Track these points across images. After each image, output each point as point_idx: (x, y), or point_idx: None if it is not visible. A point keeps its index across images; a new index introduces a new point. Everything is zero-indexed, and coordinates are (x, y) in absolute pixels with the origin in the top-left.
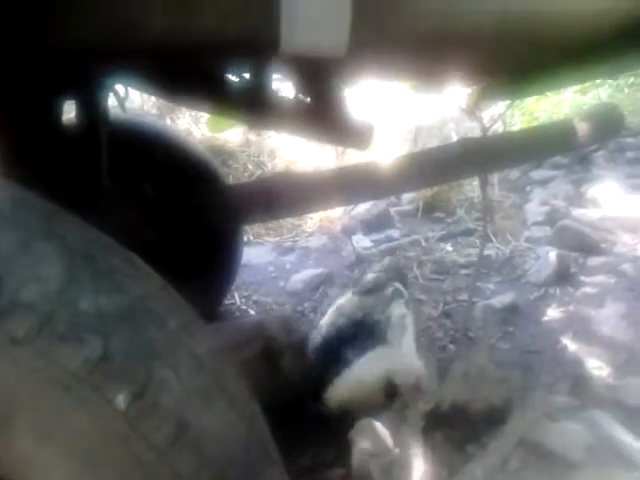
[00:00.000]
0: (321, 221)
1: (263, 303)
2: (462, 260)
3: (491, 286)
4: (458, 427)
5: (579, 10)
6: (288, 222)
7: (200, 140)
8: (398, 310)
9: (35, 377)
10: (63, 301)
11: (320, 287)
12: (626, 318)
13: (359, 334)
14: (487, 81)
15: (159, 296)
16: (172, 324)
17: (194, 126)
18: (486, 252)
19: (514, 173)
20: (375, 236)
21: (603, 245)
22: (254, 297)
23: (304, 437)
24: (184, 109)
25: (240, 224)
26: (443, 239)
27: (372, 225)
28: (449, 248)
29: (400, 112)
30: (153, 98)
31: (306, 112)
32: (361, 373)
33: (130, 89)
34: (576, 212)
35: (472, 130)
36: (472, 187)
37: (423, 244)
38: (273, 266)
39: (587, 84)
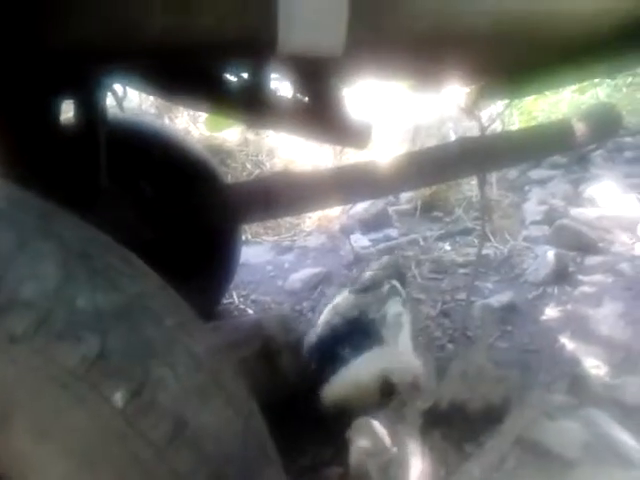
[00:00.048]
0: (319, 220)
1: (261, 302)
2: (460, 259)
3: (489, 285)
4: (456, 426)
5: (575, 10)
6: (286, 221)
7: (198, 139)
8: (394, 308)
9: (33, 375)
10: (60, 299)
11: (318, 286)
12: (624, 317)
13: (354, 332)
14: (485, 80)
15: (156, 295)
16: (169, 322)
17: (192, 125)
18: (484, 251)
19: (512, 172)
20: (373, 235)
21: (601, 244)
22: (252, 296)
23: (302, 436)
24: (182, 109)
25: (238, 223)
26: (441, 238)
27: (370, 224)
28: (447, 247)
29: (398, 111)
30: (151, 98)
31: (304, 111)
32: (358, 371)
33: (128, 89)
34: (574, 211)
35: (470, 129)
36: (470, 186)
37: (421, 243)
38: (271, 265)
39: (585, 84)
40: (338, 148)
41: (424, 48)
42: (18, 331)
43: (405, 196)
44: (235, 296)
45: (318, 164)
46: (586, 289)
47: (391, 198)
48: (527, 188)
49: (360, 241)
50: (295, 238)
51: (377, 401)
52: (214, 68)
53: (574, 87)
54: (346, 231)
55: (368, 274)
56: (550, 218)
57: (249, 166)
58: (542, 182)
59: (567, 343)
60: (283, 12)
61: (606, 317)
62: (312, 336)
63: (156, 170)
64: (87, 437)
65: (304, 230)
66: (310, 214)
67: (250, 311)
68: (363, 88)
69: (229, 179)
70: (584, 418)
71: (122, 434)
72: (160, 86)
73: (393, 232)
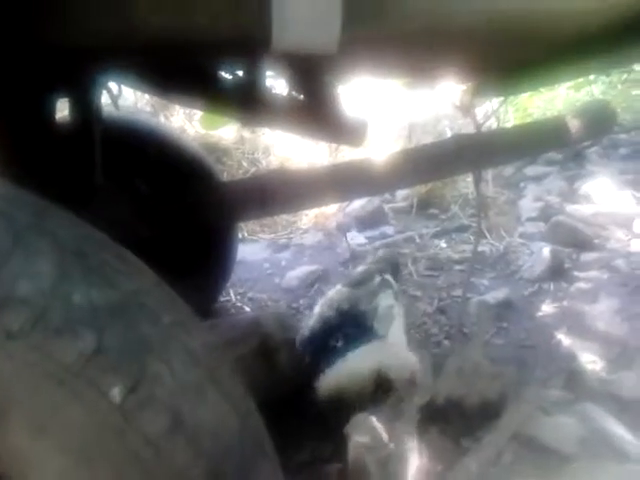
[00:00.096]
0: (316, 218)
1: (258, 300)
2: (456, 256)
3: (485, 282)
4: (453, 421)
5: (568, 8)
6: (283, 219)
7: (194, 137)
8: (386, 300)
9: (30, 371)
10: (56, 296)
11: (315, 284)
12: (619, 313)
13: (346, 324)
14: (480, 78)
15: (152, 291)
16: (165, 319)
17: (188, 124)
18: (480, 248)
19: (508, 169)
20: (370, 233)
21: (597, 241)
22: (249, 294)
23: (300, 432)
24: (178, 107)
25: (235, 221)
26: (437, 235)
27: (367, 222)
28: (443, 244)
29: (394, 109)
30: (147, 96)
31: (300, 109)
32: (354, 364)
33: (123, 87)
34: (570, 208)
35: (466, 126)
36: (466, 183)
37: (417, 240)
38: (268, 263)
39: (580, 81)
40: (334, 146)
41: (418, 46)
42: (14, 327)
43: (401, 193)
44: (232, 294)
45: (314, 162)
46: (582, 285)
47: (387, 195)
48: (522, 185)
49: (356, 238)
50: (292, 236)
51: (372, 394)
52: (209, 66)
53: (569, 84)
54: (342, 229)
55: (361, 268)
56: (546, 215)
57: (245, 164)
58: (537, 179)
59: (563, 339)
60: (277, 10)
61: (602, 313)
62: (305, 329)
63: (151, 168)
64: (84, 433)
65: (300, 228)
66: (306, 212)
67: (247, 309)
68: (358, 86)
69: (225, 177)
70: (580, 413)
71: (119, 430)
72: (155, 84)
73: (389, 229)
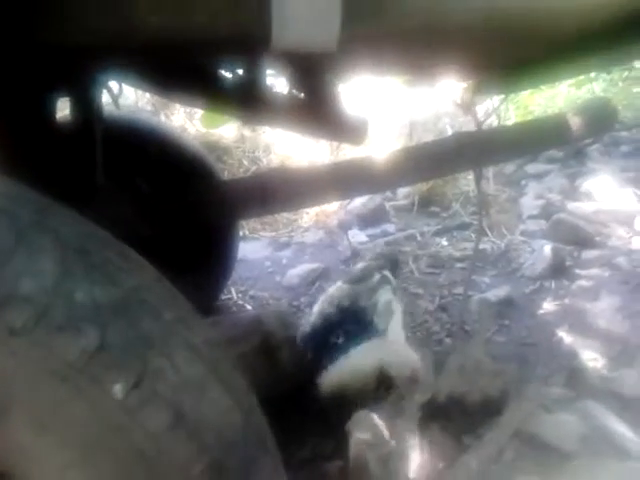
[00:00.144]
0: (317, 216)
1: (259, 298)
2: (458, 254)
3: (487, 280)
4: (454, 419)
5: (567, 5)
6: (284, 217)
7: (195, 136)
8: (385, 296)
9: (33, 367)
10: (59, 293)
11: (316, 282)
12: (621, 311)
13: (346, 320)
14: (481, 75)
15: (154, 288)
16: (167, 315)
17: (188, 122)
18: (481, 246)
19: (509, 167)
20: (371, 231)
21: (598, 238)
22: (251, 292)
23: (302, 429)
24: (178, 105)
25: (236, 219)
26: (439, 233)
27: (368, 220)
28: (445, 242)
29: (395, 107)
30: (147, 95)
31: (300, 107)
32: (356, 361)
33: (124, 86)
34: (571, 206)
35: (467, 124)
36: (467, 181)
37: (419, 238)
38: (269, 261)
39: (581, 78)
40: (335, 144)
41: (418, 44)
42: (18, 324)
43: (402, 191)
44: (233, 292)
45: (315, 160)
46: (583, 283)
47: (388, 193)
48: (524, 182)
49: (358, 236)
50: (293, 234)
51: (374, 391)
52: (209, 65)
53: (570, 81)
54: (344, 226)
55: (361, 265)
56: (547, 212)
57: (246, 162)
58: (539, 176)
59: (564, 337)
60: (277, 8)
61: (603, 311)
62: (305, 326)
63: (152, 167)
64: (87, 429)
65: (301, 226)
66: (307, 210)
67: (248, 307)
68: (359, 84)
69: (226, 175)
70: (581, 411)
71: (122, 426)
72: (156, 83)
73: (390, 227)
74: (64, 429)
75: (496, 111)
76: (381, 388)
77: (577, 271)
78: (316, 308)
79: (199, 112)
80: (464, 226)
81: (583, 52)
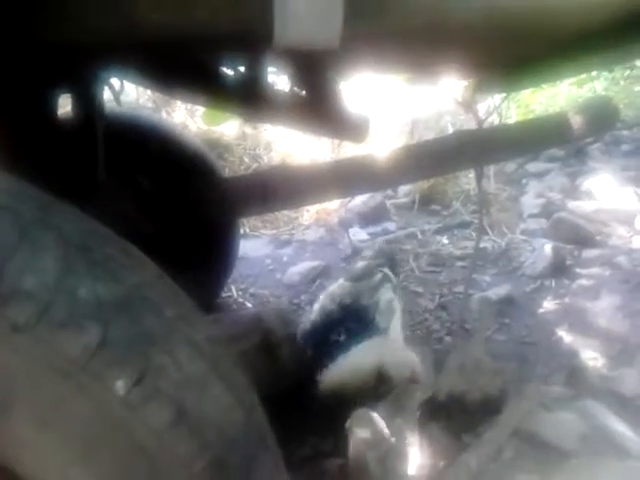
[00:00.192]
0: (318, 214)
1: (260, 296)
2: (458, 252)
3: (487, 278)
4: (454, 417)
5: (570, 6)
6: (284, 215)
7: (196, 133)
8: (386, 295)
9: (35, 364)
10: (61, 290)
11: (317, 279)
12: (621, 310)
13: (348, 318)
14: (482, 74)
15: (155, 284)
16: (169, 311)
17: (190, 119)
18: (482, 244)
19: (510, 165)
20: (371, 229)
21: (598, 237)
22: (251, 290)
23: (302, 427)
24: (179, 102)
25: (236, 217)
26: (439, 232)
27: (369, 218)
28: (445, 241)
29: (396, 105)
30: (148, 91)
31: (302, 105)
32: (356, 360)
33: (125, 82)
34: (572, 204)
35: (468, 122)
36: (468, 179)
37: (419, 237)
38: (270, 259)
39: (583, 77)
40: (336, 141)
41: (419, 42)
42: (20, 321)
43: (403, 189)
44: (234, 290)
45: (316, 158)
46: (583, 282)
47: (389, 191)
48: (524, 181)
49: (358, 234)
50: (293, 232)
51: (373, 390)
52: (211, 62)
53: (571, 80)
54: (344, 224)
55: (361, 263)
56: (547, 211)
57: (247, 160)
58: (539, 175)
59: (564, 335)
60: (279, 5)
61: (603, 310)
62: (306, 323)
63: (153, 164)
64: (89, 425)
65: (302, 224)
66: (308, 208)
67: (249, 304)
68: (360, 81)
69: (227, 173)
70: (581, 410)
71: (124, 422)
72: (157, 80)
73: (391, 225)
74: (66, 425)
75: (497, 109)
76: (380, 387)
77: (577, 270)
78: (317, 305)
79: (200, 109)
80: (465, 224)
81: (584, 51)
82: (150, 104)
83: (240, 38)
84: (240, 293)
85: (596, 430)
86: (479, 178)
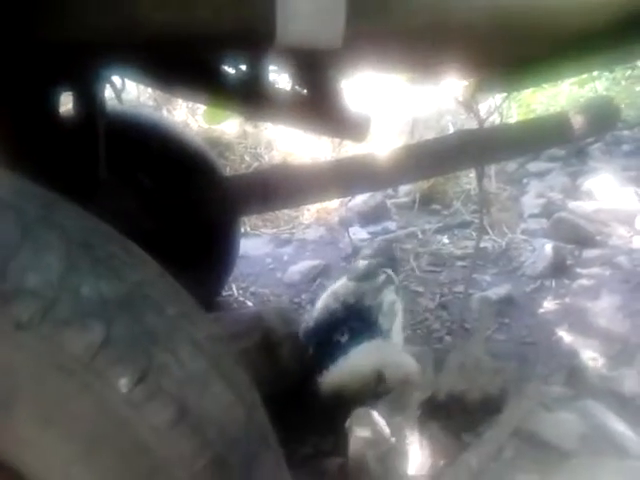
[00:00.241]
0: (318, 213)
1: (260, 294)
2: (458, 252)
3: (487, 278)
4: (454, 416)
5: (571, 5)
6: (285, 214)
7: (197, 132)
8: (389, 296)
9: (39, 361)
10: (65, 287)
11: (317, 278)
12: (621, 310)
13: (351, 318)
14: (483, 74)
15: (158, 282)
16: (171, 309)
17: (191, 118)
18: (482, 244)
19: (511, 165)
20: (372, 228)
21: (599, 237)
22: (251, 288)
23: (302, 426)
24: (181, 101)
25: (237, 215)
26: (440, 231)
27: (369, 217)
28: (445, 240)
29: (397, 104)
30: (150, 90)
31: (303, 104)
32: (355, 362)
33: (127, 80)
34: (572, 204)
35: (469, 122)
36: (469, 179)
37: (420, 236)
38: (270, 258)
39: (584, 76)
40: (337, 140)
41: (422, 41)
42: (24, 318)
43: (404, 189)
44: (234, 288)
45: (317, 156)
46: (584, 282)
47: (390, 191)
48: (525, 181)
49: (359, 234)
50: (294, 231)
51: (373, 392)
52: (212, 60)
53: (573, 80)
54: (345, 224)
55: (364, 262)
56: (548, 211)
57: (247, 158)
58: (540, 175)
59: (564, 335)
60: (281, 4)
61: (604, 310)
62: (309, 321)
63: (154, 162)
64: (92, 423)
65: (303, 223)
66: (309, 207)
67: (249, 303)
68: (361, 80)
69: (227, 171)
70: (581, 409)
71: (127, 420)
72: (158, 78)
73: (392, 225)
74: (69, 423)
75: (498, 109)
76: (380, 389)
77: (578, 270)
78: (320, 304)
79: (201, 108)
80: (465, 224)
81: (585, 51)
82: (151, 102)
83: (242, 37)
84: (241, 292)
85: (596, 430)
86: (480, 178)
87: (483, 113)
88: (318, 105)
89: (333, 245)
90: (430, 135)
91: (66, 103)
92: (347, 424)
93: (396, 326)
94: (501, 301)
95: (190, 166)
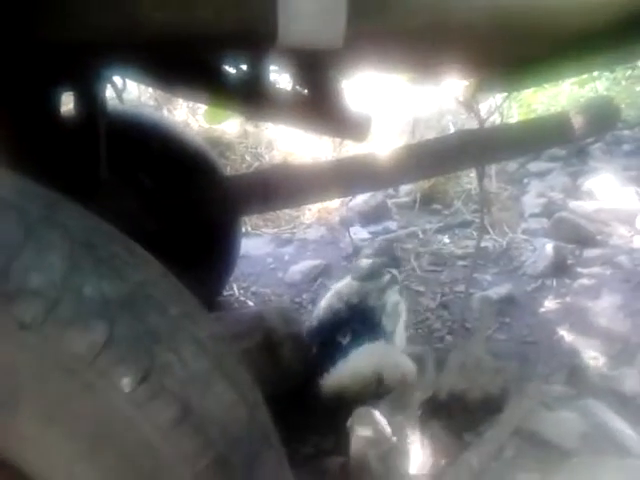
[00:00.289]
0: (319, 213)
1: (261, 294)
2: (459, 252)
3: (488, 277)
4: (455, 416)
5: (571, 6)
6: (286, 214)
7: (197, 132)
8: (393, 297)
9: (42, 361)
10: (68, 287)
11: (318, 278)
12: (622, 309)
13: (355, 319)
14: (484, 73)
15: (160, 282)
16: (173, 309)
17: (191, 117)
18: (483, 244)
19: (511, 165)
20: (373, 228)
21: (599, 237)
22: (252, 288)
23: (304, 426)
24: (181, 101)
25: (238, 215)
26: (440, 231)
27: (370, 217)
28: (446, 240)
29: (398, 104)
30: (150, 89)
31: (304, 104)
32: (355, 364)
33: (127, 80)
34: (573, 204)
35: (469, 122)
36: (469, 179)
37: (420, 236)
38: (271, 257)
39: (584, 76)
40: (337, 140)
41: (422, 42)
42: (27, 318)
43: (404, 189)
44: (235, 288)
45: (317, 156)
46: (584, 281)
47: (390, 191)
48: (526, 181)
49: (359, 233)
50: (295, 230)
51: (373, 394)
52: (213, 60)
53: (573, 80)
54: (345, 223)
55: (368, 261)
56: (549, 211)
57: (248, 158)
58: (541, 175)
59: (565, 335)
60: (282, 4)
61: (604, 309)
62: (314, 320)
63: (155, 162)
64: (95, 422)
65: (304, 222)
66: (310, 206)
67: (250, 303)
68: (362, 80)
69: (228, 171)
70: (582, 408)
71: (129, 419)
72: (159, 78)
73: (392, 225)
74: (72, 422)
75: (499, 109)
76: (380, 390)
77: (578, 269)
78: (324, 303)
79: (202, 107)
80: (466, 224)
81: (586, 51)
82: (152, 102)
83: (244, 37)
84: (242, 292)
85: (597, 429)
86: (480, 177)
87: (484, 113)
88: (319, 105)
89: (334, 245)
90: (431, 135)
91: (67, 103)
92: (348, 423)
93: (399, 328)
94: (502, 300)
95: (191, 166)
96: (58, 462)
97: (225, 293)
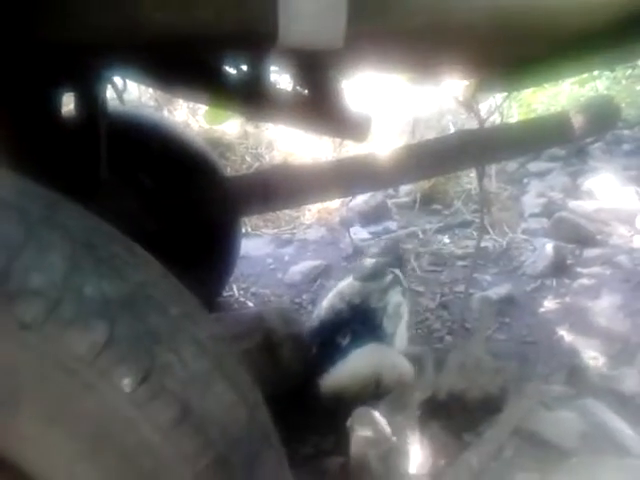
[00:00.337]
0: (319, 213)
1: (261, 295)
2: (459, 252)
3: (488, 277)
4: (455, 416)
5: (571, 5)
6: (286, 214)
7: (198, 132)
8: (395, 298)
9: (43, 361)
10: (68, 287)
11: (318, 279)
12: (622, 309)
13: (356, 320)
14: (484, 73)
15: (160, 283)
16: (173, 309)
17: (192, 118)
18: (483, 244)
19: (511, 165)
20: (373, 228)
21: (599, 237)
22: (252, 289)
23: (304, 426)
24: (182, 101)
25: (238, 216)
26: (440, 231)
27: (370, 217)
28: (446, 240)
29: (398, 104)
30: (151, 90)
31: (304, 104)
32: (354, 365)
33: (128, 81)
34: (573, 204)
35: (469, 122)
36: (469, 179)
37: (420, 236)
38: (271, 258)
39: (584, 76)
40: (337, 140)
41: (422, 42)
42: (28, 318)
43: (404, 189)
44: (235, 289)
45: (317, 157)
46: (584, 281)
47: (390, 191)
48: (526, 181)
49: (359, 234)
50: (295, 231)
51: (372, 394)
52: (213, 61)
53: (573, 80)
54: (345, 224)
55: (371, 261)
56: (549, 211)
57: (248, 159)
58: (541, 175)
59: (565, 335)
60: (283, 4)
61: (604, 309)
62: (315, 319)
63: (155, 163)
64: (95, 422)
65: (304, 223)
66: (310, 207)
67: (250, 304)
68: (362, 80)
69: (228, 172)
70: (581, 408)
71: (130, 419)
72: (160, 78)
73: (392, 225)
74: (73, 422)
75: (499, 109)
76: (379, 391)
77: (578, 269)
78: (326, 303)
79: (202, 108)
80: (466, 224)
81: (586, 50)
82: (152, 103)
83: (244, 38)
84: (241, 292)
85: (596, 428)
86: (480, 177)
87: (484, 113)
88: (319, 105)
89: (334, 245)
90: (431, 135)
91: (68, 104)
92: (348, 424)
93: (400, 329)
94: (502, 300)
95: (191, 166)
96: (59, 462)
97: (225, 294)
